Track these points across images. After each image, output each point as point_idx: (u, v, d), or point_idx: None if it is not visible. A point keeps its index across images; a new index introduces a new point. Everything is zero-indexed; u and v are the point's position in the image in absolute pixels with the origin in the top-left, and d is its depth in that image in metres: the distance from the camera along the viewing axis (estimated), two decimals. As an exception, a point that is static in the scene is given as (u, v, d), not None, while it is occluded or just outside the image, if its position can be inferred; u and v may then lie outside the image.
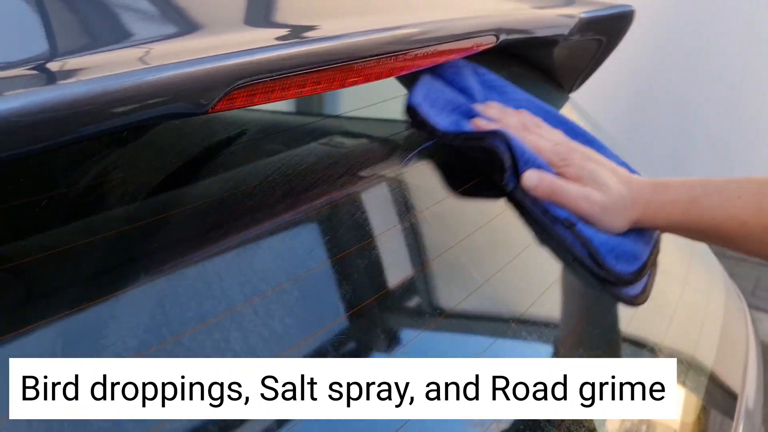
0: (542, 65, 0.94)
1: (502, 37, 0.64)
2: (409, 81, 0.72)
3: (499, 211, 0.67)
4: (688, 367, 0.70)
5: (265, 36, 0.43)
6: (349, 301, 0.47)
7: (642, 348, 0.67)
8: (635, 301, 0.67)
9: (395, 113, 0.72)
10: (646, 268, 0.67)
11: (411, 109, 0.65)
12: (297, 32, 0.44)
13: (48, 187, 0.42)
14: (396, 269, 0.53)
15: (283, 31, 0.44)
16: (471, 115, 0.69)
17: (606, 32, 0.87)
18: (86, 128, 0.32)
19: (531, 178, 0.64)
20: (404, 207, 0.59)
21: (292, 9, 0.52)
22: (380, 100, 0.72)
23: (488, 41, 0.62)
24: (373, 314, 0.48)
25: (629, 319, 0.67)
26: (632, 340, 0.67)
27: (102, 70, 0.33)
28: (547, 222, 0.65)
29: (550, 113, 0.77)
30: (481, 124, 0.67)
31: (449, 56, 0.58)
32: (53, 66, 0.32)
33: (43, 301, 0.37)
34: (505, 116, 0.69)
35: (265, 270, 0.44)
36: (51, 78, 0.31)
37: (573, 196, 0.64)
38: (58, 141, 0.31)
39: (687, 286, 0.83)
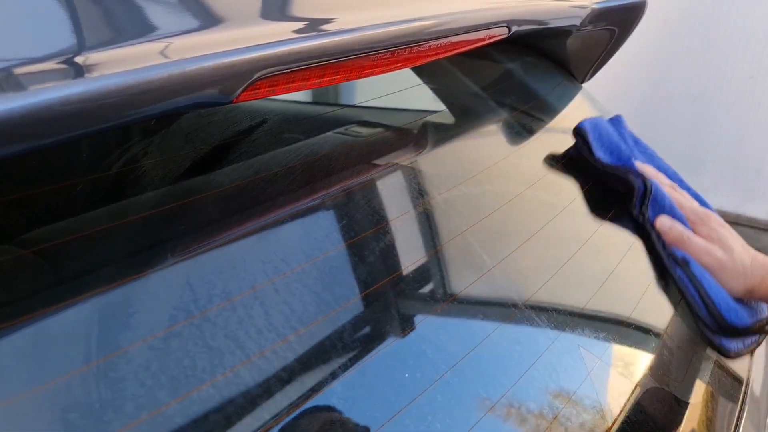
0: (555, 56, 0.95)
1: (515, 28, 0.66)
2: (423, 72, 0.74)
3: (511, 195, 0.69)
4: (694, 351, 0.71)
5: (286, 29, 0.44)
6: (364, 282, 0.49)
7: (648, 331, 0.68)
8: (730, 354, 0.73)
9: (408, 103, 0.73)
10: (754, 329, 0.74)
11: (580, 131, 0.80)
12: (315, 25, 0.46)
13: (81, 173, 0.45)
14: (410, 253, 0.55)
15: (302, 24, 0.46)
16: (626, 161, 0.82)
17: (618, 23, 0.88)
18: (121, 117, 0.34)
19: (664, 223, 0.76)
20: (418, 193, 0.61)
21: (309, 2, 0.54)
22: (394, 91, 0.74)
23: (501, 32, 0.64)
24: (387, 295, 0.50)
25: (635, 303, 0.69)
26: (637, 323, 0.68)
27: (134, 63, 0.35)
28: (664, 258, 0.75)
29: (687, 188, 0.89)
30: (641, 167, 0.81)
31: (463, 48, 0.60)
32: (91, 59, 0.35)
33: (73, 282, 0.40)
34: (658, 175, 0.83)
35: (285, 251, 0.46)
36: (90, 70, 0.34)
37: (697, 247, 0.74)
38: (93, 129, 0.34)
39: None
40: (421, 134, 0.70)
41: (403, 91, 0.76)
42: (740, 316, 0.73)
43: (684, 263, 0.74)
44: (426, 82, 0.80)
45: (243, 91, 0.39)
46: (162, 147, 0.48)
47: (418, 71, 0.79)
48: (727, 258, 0.73)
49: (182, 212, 0.45)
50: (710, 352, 0.73)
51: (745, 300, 0.75)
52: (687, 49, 3.01)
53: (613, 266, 0.72)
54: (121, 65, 0.35)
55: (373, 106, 0.74)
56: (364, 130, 0.68)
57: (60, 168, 0.43)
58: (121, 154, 0.46)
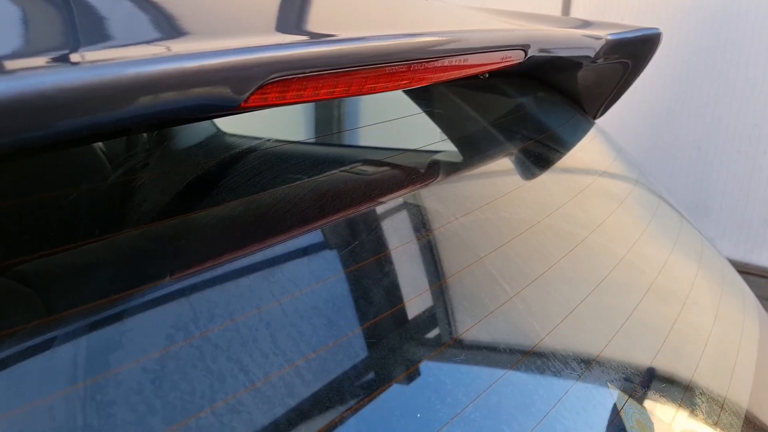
0: (567, 90, 0.93)
1: (530, 52, 0.64)
2: (427, 100, 0.72)
3: (519, 231, 0.66)
4: (721, 405, 0.66)
5: (300, 37, 0.43)
6: (361, 325, 0.46)
7: (672, 385, 0.64)
8: None
9: (415, 140, 0.71)
10: None
11: None
12: (329, 32, 0.44)
13: (80, 183, 0.42)
14: (413, 291, 0.52)
15: (317, 30, 0.44)
16: None
17: (632, 55, 0.87)
18: (125, 111, 0.32)
19: None
20: (423, 227, 0.58)
21: (327, 22, 0.52)
22: (403, 126, 0.72)
23: (517, 56, 0.62)
24: (386, 337, 0.46)
25: (657, 353, 0.65)
26: (661, 376, 0.63)
27: (133, 56, 0.33)
28: None
29: None
30: None
31: (478, 68, 0.58)
32: (92, 52, 0.32)
33: (63, 313, 0.37)
34: None
35: (293, 274, 0.43)
36: (88, 61, 0.31)
37: None
38: (92, 122, 0.31)
39: (719, 318, 0.80)
40: (429, 169, 0.68)
41: (412, 129, 0.74)
42: None
43: None
44: (436, 117, 0.79)
45: (252, 94, 0.37)
46: (165, 189, 0.45)
47: (429, 106, 0.77)
48: None
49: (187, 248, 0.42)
50: (738, 405, 0.68)
51: None
52: (690, 97, 3.03)
53: (634, 306, 0.68)
54: (120, 57, 0.32)
55: (384, 147, 0.72)
56: (375, 164, 0.66)
57: (54, 179, 0.40)
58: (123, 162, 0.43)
